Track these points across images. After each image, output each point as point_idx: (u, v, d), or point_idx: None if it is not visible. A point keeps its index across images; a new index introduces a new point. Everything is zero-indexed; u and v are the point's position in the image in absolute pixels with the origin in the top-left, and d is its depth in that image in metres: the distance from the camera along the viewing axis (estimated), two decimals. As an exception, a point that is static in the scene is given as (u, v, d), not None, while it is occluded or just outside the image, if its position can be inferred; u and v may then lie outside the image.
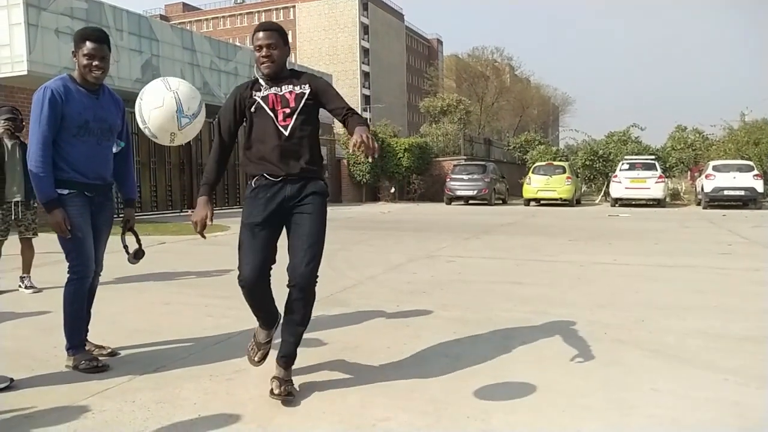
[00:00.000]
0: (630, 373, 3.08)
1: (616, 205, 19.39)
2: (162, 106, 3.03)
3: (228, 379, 3.01)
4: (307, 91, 2.80)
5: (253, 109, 2.79)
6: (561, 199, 19.71)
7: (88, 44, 3.01)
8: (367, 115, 68.49)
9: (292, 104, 2.78)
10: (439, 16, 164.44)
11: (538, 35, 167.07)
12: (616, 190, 19.31)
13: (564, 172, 20.11)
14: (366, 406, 2.68)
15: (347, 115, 2.77)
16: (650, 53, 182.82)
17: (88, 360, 3.08)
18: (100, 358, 3.22)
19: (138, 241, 3.37)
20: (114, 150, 3.26)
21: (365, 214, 15.97)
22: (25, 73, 24.01)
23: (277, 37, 2.76)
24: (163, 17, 66.02)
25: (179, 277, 6.01)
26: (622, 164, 19.85)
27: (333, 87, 2.93)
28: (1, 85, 11.54)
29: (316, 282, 2.75)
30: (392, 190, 23.16)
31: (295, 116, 2.77)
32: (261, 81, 2.82)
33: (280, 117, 2.75)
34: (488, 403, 2.69)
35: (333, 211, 15.01)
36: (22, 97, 10.92)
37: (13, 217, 5.27)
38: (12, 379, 2.88)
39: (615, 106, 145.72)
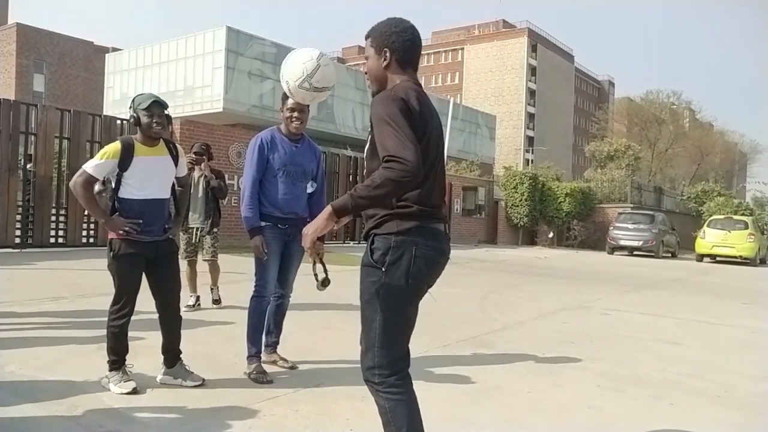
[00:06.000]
0: (790, 452, 2.90)
1: (811, 268, 17.28)
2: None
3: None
4: None
5: None
6: (741, 257, 18.04)
7: (290, 101, 3.56)
8: (529, 156, 67.56)
9: None
10: (612, 56, 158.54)
11: (721, 77, 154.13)
12: (813, 251, 17.22)
13: (746, 227, 18.41)
14: (502, 444, 2.83)
15: None
16: None
17: (257, 372, 3.59)
18: (281, 368, 3.79)
19: (325, 270, 3.77)
20: (309, 190, 3.79)
21: (520, 258, 15.83)
22: (221, 110, 27.10)
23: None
24: (339, 59, 70.82)
25: (339, 305, 6.51)
26: (822, 223, 17.72)
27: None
28: (202, 123, 13.22)
29: None
30: (550, 234, 22.63)
31: None
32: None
33: None
34: (625, 459, 2.71)
35: (487, 253, 14.88)
36: (219, 134, 12.42)
37: (194, 241, 5.86)
38: (204, 379, 3.44)
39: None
